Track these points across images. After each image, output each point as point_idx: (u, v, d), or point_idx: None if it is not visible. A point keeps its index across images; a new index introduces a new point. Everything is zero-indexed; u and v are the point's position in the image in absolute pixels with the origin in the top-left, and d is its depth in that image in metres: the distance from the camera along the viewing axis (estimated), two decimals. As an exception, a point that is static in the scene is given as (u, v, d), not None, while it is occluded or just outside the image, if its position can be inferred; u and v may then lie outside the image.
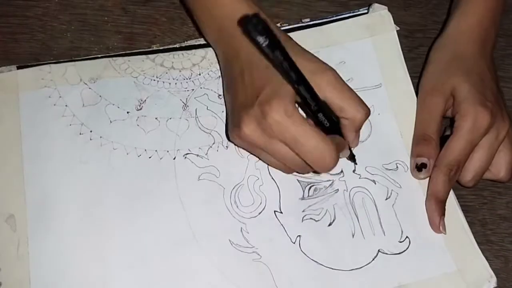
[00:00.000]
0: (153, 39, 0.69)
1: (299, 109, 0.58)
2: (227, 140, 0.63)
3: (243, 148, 0.62)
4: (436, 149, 0.63)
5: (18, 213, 0.59)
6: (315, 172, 0.60)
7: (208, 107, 0.65)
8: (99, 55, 0.66)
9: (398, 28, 0.69)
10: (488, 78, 0.65)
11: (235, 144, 0.62)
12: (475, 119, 0.61)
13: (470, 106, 0.62)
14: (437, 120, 0.64)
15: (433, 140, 0.63)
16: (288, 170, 0.60)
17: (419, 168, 0.63)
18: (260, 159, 0.61)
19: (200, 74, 0.66)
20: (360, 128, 0.60)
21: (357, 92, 0.62)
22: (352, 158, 0.64)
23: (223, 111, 0.64)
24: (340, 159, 0.57)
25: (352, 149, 0.62)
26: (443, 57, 0.67)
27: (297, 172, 0.61)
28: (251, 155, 0.62)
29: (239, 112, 0.57)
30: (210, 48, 0.67)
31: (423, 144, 0.63)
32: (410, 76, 0.68)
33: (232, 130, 0.58)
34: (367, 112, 0.59)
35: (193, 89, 0.65)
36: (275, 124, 0.54)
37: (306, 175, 0.62)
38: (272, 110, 0.54)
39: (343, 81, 0.58)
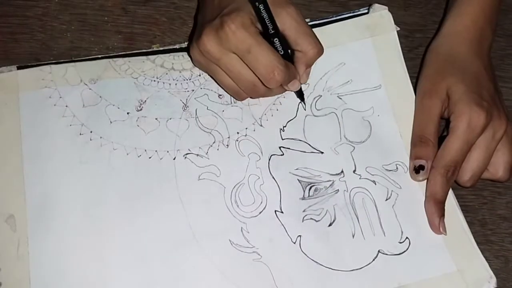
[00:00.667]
0: (153, 39, 0.69)
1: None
2: (227, 139, 0.63)
3: (200, 66, 0.63)
4: (433, 151, 0.63)
5: (18, 213, 0.58)
6: (260, 94, 0.62)
7: (208, 107, 0.65)
8: (99, 56, 0.66)
9: (398, 29, 0.69)
10: (484, 78, 0.65)
11: (193, 61, 0.63)
12: (470, 119, 0.61)
13: (465, 106, 0.62)
14: (434, 121, 0.64)
15: (431, 142, 0.63)
16: (238, 91, 0.62)
17: (417, 170, 0.63)
18: (214, 79, 0.64)
19: (200, 75, 0.66)
20: (311, 64, 0.64)
21: (357, 94, 0.64)
22: (300, 94, 0.66)
23: (223, 111, 0.65)
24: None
25: (302, 88, 0.66)
26: (439, 57, 0.67)
27: (245, 94, 0.62)
28: (252, 153, 0.63)
29: (203, 26, 0.59)
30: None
31: (420, 146, 0.63)
32: (410, 76, 0.68)
33: (193, 43, 0.60)
34: (320, 50, 0.62)
35: (193, 90, 0.65)
36: (231, 33, 0.57)
37: (306, 174, 0.63)
38: (230, 20, 0.57)
39: (302, 17, 0.61)
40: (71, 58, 0.66)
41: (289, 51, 0.62)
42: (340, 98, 0.67)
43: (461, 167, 0.63)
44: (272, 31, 0.60)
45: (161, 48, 0.68)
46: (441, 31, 0.68)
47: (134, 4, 0.70)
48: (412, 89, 0.67)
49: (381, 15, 0.69)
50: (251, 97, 0.64)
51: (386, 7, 0.69)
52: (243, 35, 0.57)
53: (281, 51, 0.61)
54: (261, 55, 0.58)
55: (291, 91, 0.64)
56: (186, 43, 0.68)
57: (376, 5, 0.69)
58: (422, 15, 0.74)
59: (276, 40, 0.60)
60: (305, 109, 0.66)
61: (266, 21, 0.59)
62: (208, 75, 0.65)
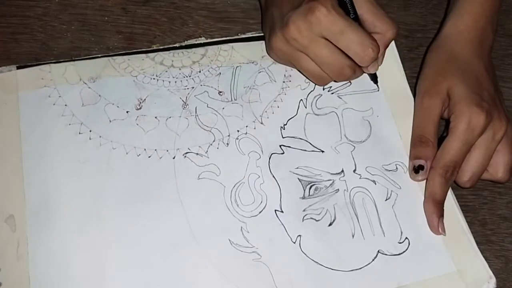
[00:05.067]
0: (153, 39, 0.69)
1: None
2: (227, 137, 0.63)
3: (282, 56, 0.63)
4: (433, 151, 0.63)
5: (18, 213, 0.58)
6: (346, 77, 0.64)
7: (209, 104, 0.65)
8: (99, 55, 0.66)
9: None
10: (485, 78, 0.65)
11: (273, 52, 0.64)
12: (470, 120, 0.61)
13: (465, 107, 0.62)
14: (434, 122, 0.64)
15: (430, 142, 0.63)
16: (323, 77, 0.63)
17: (416, 170, 0.63)
18: (296, 67, 0.64)
19: (200, 72, 0.66)
20: (388, 45, 0.65)
21: (356, 95, 0.65)
22: (375, 77, 0.67)
23: (223, 108, 0.65)
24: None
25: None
26: (440, 58, 0.67)
27: (330, 79, 0.64)
28: (252, 152, 0.63)
29: (287, 15, 0.60)
30: (210, 46, 0.67)
31: (420, 146, 0.63)
32: (410, 76, 0.68)
33: (277, 32, 0.61)
34: (397, 30, 0.64)
35: (193, 87, 0.65)
36: (323, 16, 0.58)
37: (306, 173, 0.63)
38: (320, 4, 0.58)
39: (377, 3, 0.63)
40: (71, 58, 0.66)
41: None
42: (340, 98, 0.67)
43: (461, 167, 0.63)
44: (353, 15, 0.62)
45: (161, 47, 0.67)
46: (442, 31, 0.68)
47: (134, 4, 0.70)
48: (410, 91, 0.68)
49: None
50: (335, 81, 0.65)
51: None
52: (335, 17, 0.58)
53: None
54: (355, 35, 0.59)
55: (369, 73, 0.66)
56: (186, 42, 0.68)
57: None
58: (422, 15, 0.74)
59: (357, 24, 0.61)
60: (378, 90, 0.68)
61: (349, 5, 0.62)
62: (287, 64, 0.66)
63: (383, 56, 0.65)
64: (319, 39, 0.59)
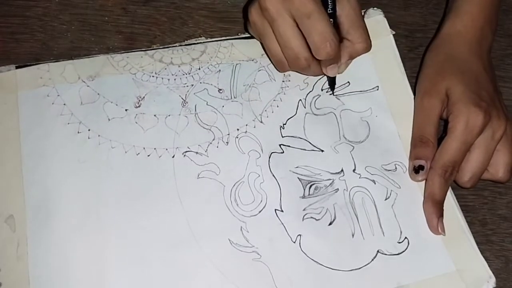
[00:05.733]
0: (153, 39, 0.69)
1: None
2: (227, 136, 0.63)
3: (254, 28, 0.63)
4: (433, 151, 0.63)
5: (18, 213, 0.58)
6: (300, 67, 0.64)
7: (208, 102, 0.65)
8: (99, 54, 0.66)
9: (393, 33, 0.69)
10: (484, 78, 0.65)
11: (250, 23, 0.64)
12: (468, 119, 0.61)
13: (463, 107, 0.62)
14: (434, 122, 0.64)
15: (431, 142, 0.63)
16: (282, 60, 0.63)
17: (416, 170, 0.63)
18: (263, 44, 0.65)
19: (199, 69, 0.66)
20: (354, 57, 0.66)
21: (355, 95, 0.65)
22: (332, 82, 0.67)
23: (223, 106, 0.65)
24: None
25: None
26: (439, 58, 0.67)
27: (288, 65, 0.63)
28: (251, 151, 0.63)
29: None
30: (210, 43, 0.68)
31: (420, 146, 0.63)
32: (410, 76, 0.68)
33: (255, 2, 0.62)
34: (368, 46, 0.65)
35: (192, 85, 0.65)
36: None
37: (306, 172, 0.63)
38: None
39: (360, 10, 0.64)
40: (71, 58, 0.66)
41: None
42: (339, 99, 0.67)
43: (461, 168, 0.63)
44: (331, 11, 0.62)
45: (161, 47, 0.68)
46: (440, 31, 0.69)
47: (134, 4, 0.70)
48: (411, 91, 0.68)
49: (376, 21, 0.69)
50: (291, 70, 0.65)
51: (382, 13, 0.70)
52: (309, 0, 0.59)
53: None
54: (319, 23, 0.59)
55: (327, 75, 0.65)
56: (186, 42, 0.68)
57: (371, 11, 0.70)
58: (422, 15, 0.74)
59: (331, 21, 0.61)
60: (333, 94, 0.67)
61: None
62: (259, 40, 0.66)
63: (346, 65, 0.66)
64: (287, 17, 0.60)
